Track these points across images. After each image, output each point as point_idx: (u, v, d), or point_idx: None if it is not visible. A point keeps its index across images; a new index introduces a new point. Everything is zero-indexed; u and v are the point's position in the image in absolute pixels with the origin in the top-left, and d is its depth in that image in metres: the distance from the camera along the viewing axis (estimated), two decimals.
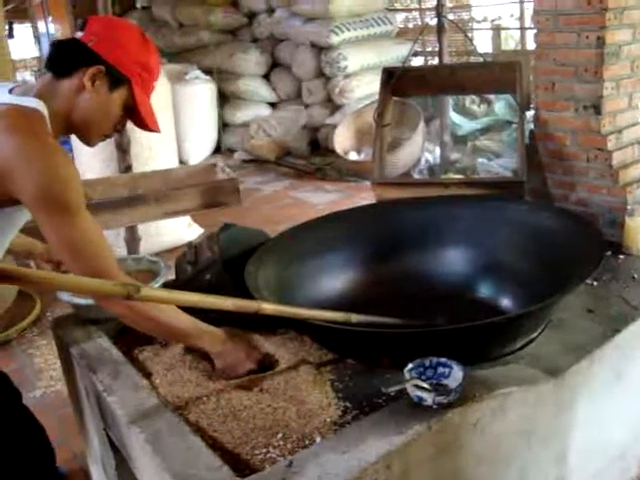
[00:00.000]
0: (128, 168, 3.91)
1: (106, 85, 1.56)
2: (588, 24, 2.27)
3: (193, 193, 3.12)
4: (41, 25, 11.00)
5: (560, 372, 1.55)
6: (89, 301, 1.84)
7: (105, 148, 3.99)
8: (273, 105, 8.02)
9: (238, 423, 1.42)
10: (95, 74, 1.53)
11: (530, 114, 2.86)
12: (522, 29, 7.22)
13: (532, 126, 2.61)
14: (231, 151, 7.82)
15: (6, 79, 3.83)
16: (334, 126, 6.76)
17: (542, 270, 1.89)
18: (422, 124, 5.89)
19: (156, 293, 1.47)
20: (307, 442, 1.35)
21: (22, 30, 11.97)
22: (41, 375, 3.28)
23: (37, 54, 10.98)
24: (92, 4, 4.38)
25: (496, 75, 2.78)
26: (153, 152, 4.62)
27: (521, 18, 7.25)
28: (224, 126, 8.01)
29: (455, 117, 6.42)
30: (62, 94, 1.55)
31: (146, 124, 1.64)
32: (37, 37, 11.00)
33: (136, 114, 1.63)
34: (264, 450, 1.34)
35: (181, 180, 3.43)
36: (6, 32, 4.11)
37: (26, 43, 11.98)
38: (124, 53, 1.56)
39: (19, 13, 10.60)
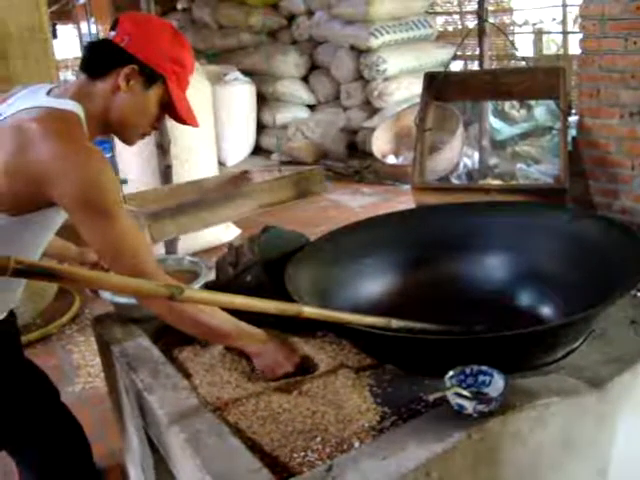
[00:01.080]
0: (168, 167, 3.97)
1: (141, 84, 1.57)
2: (636, 29, 2.23)
3: (287, 184, 3.16)
4: (84, 26, 11.17)
5: (602, 383, 1.52)
6: (130, 300, 1.86)
7: (146, 147, 4.05)
8: (311, 107, 8.04)
9: (277, 425, 1.42)
10: (129, 74, 1.55)
11: (572, 120, 2.83)
12: (564, 33, 7.13)
13: (574, 132, 2.57)
14: (270, 152, 7.86)
15: (50, 79, 3.90)
16: (372, 129, 6.75)
17: (584, 279, 1.85)
18: (461, 129, 5.86)
19: (199, 294, 1.48)
20: (345, 447, 1.34)
21: (65, 31, 12.16)
22: (79, 371, 3.34)
23: (79, 54, 11.15)
24: (134, 5, 4.45)
25: (539, 81, 2.75)
26: (193, 152, 4.65)
27: (563, 22, 7.15)
28: (262, 128, 8.05)
29: (494, 122, 6.37)
30: (98, 95, 1.57)
31: (184, 119, 1.65)
32: (81, 37, 11.18)
33: (173, 110, 1.63)
34: (302, 453, 1.34)
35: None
36: (50, 33, 4.18)
37: (68, 43, 12.17)
38: (156, 51, 1.57)
39: (63, 14, 10.78)
